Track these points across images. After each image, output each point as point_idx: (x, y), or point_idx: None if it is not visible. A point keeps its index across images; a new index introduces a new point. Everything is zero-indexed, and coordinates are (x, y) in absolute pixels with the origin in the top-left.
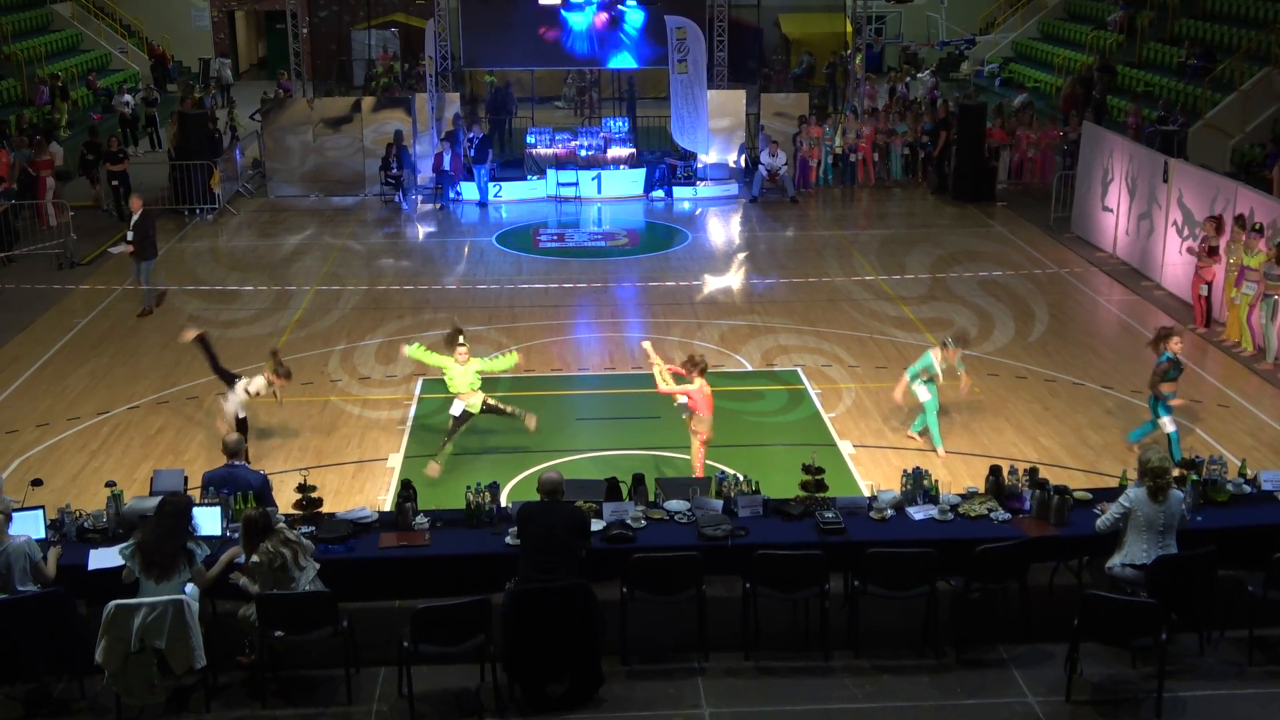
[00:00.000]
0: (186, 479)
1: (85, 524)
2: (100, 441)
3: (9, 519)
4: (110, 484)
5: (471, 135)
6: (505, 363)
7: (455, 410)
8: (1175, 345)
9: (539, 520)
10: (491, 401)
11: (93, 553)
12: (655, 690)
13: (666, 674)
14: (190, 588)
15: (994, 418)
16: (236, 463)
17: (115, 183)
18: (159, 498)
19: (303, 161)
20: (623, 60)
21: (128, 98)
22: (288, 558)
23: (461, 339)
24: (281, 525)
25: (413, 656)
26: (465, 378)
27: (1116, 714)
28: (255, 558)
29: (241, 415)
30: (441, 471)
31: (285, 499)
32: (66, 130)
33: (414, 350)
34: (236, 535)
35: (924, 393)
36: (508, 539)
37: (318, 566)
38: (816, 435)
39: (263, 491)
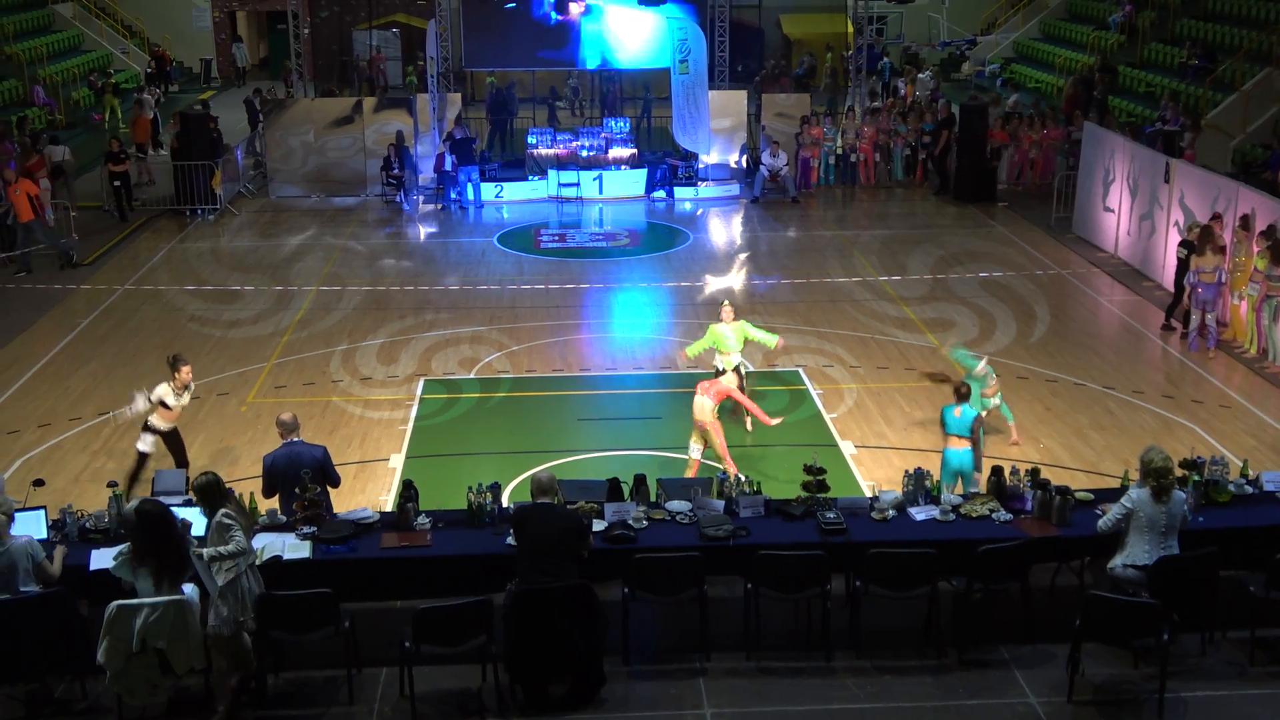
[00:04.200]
0: (188, 479)
1: (87, 524)
2: (102, 442)
3: (11, 519)
4: (112, 484)
5: (455, 134)
6: (769, 338)
7: (722, 365)
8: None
9: (535, 524)
10: (743, 373)
11: (94, 553)
12: (657, 691)
13: (668, 674)
14: (190, 587)
15: (995, 418)
16: (295, 439)
17: (117, 183)
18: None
19: (304, 162)
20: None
21: (148, 96)
22: (244, 525)
23: (727, 302)
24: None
25: (414, 657)
26: (732, 338)
27: (1118, 714)
28: (226, 512)
29: (161, 427)
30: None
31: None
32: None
33: (693, 352)
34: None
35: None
36: (509, 539)
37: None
38: (818, 436)
39: (325, 463)
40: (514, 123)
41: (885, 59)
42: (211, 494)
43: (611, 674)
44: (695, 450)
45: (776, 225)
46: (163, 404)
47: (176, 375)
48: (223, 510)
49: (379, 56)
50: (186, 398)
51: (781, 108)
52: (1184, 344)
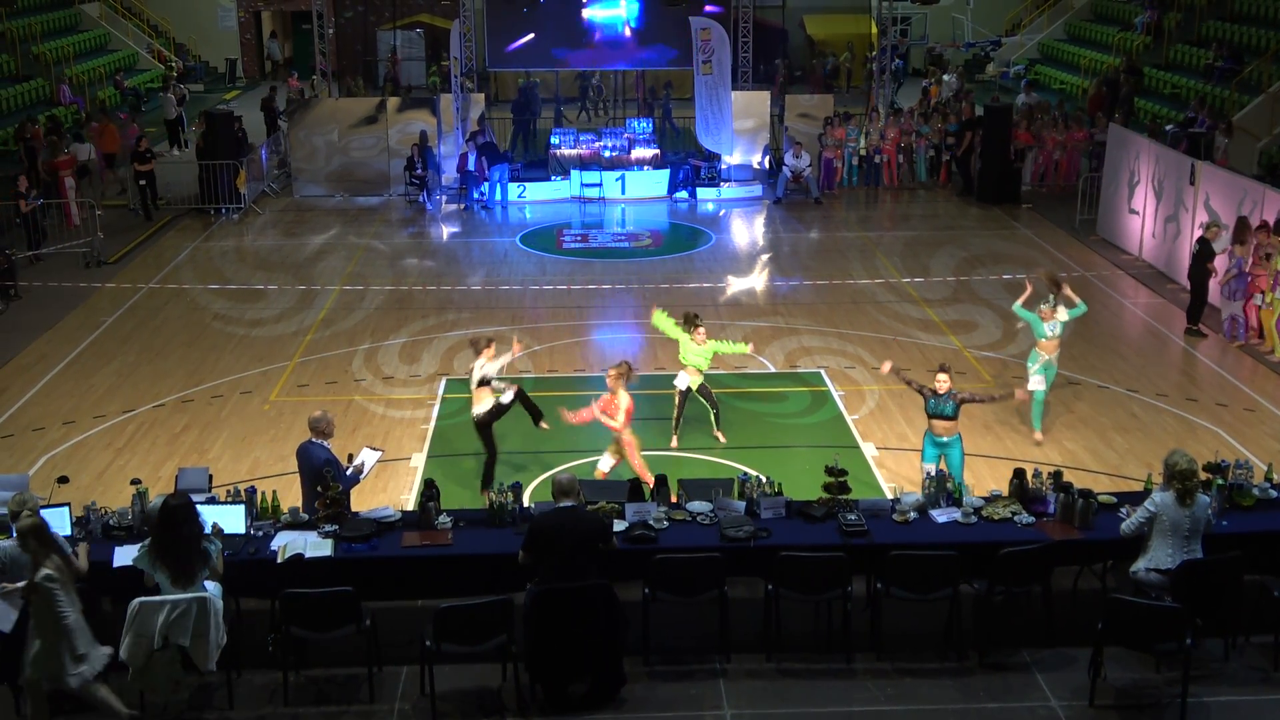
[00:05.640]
0: (211, 477)
1: (110, 521)
2: (126, 439)
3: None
4: (135, 482)
5: (481, 137)
6: (740, 348)
7: (680, 383)
8: (939, 383)
9: (555, 532)
10: (706, 389)
11: (118, 550)
12: (677, 691)
13: (688, 675)
14: (213, 585)
15: (1018, 420)
16: (314, 440)
17: (143, 182)
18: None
19: (328, 161)
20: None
21: (171, 95)
22: (58, 585)
23: (698, 321)
24: (61, 548)
25: (435, 656)
26: (697, 356)
27: (1140, 719)
28: (47, 569)
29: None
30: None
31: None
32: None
33: (658, 317)
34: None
35: (1037, 381)
36: None
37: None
38: (840, 437)
39: (322, 472)
40: (537, 123)
41: (900, 60)
42: (30, 537)
43: (632, 674)
44: (605, 463)
45: (799, 226)
46: (486, 382)
47: (488, 349)
48: (45, 572)
49: (395, 58)
50: (501, 361)
51: (805, 108)
52: (1221, 340)
